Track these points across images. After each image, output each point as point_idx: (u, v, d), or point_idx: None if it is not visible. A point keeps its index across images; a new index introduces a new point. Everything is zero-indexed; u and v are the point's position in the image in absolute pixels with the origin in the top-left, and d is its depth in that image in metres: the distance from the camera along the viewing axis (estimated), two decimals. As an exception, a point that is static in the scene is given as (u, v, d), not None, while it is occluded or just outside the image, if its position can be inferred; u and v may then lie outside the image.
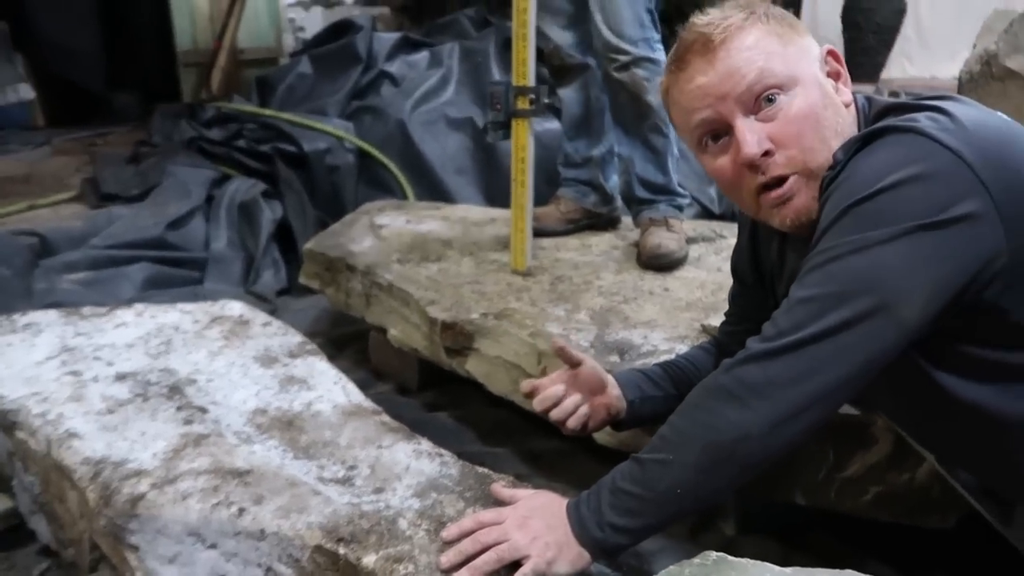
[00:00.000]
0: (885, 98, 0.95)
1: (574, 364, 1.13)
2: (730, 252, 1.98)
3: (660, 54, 1.88)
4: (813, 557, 1.36)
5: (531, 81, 1.78)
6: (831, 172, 0.86)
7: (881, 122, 0.85)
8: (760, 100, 0.88)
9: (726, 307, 1.61)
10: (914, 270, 0.77)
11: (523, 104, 1.79)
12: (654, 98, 1.88)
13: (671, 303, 1.66)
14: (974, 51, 2.42)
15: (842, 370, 0.78)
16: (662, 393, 1.17)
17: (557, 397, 1.11)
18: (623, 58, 1.86)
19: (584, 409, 1.11)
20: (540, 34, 1.93)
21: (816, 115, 0.88)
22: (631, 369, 1.22)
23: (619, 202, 2.17)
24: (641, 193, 2.00)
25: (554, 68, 2.01)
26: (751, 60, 0.88)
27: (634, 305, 1.65)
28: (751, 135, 0.88)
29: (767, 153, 0.89)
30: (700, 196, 3.04)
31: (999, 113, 0.86)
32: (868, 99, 0.95)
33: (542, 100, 1.82)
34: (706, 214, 3.00)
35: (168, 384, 1.28)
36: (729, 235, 2.12)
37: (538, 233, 1.98)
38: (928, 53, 6.00)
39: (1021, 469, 0.89)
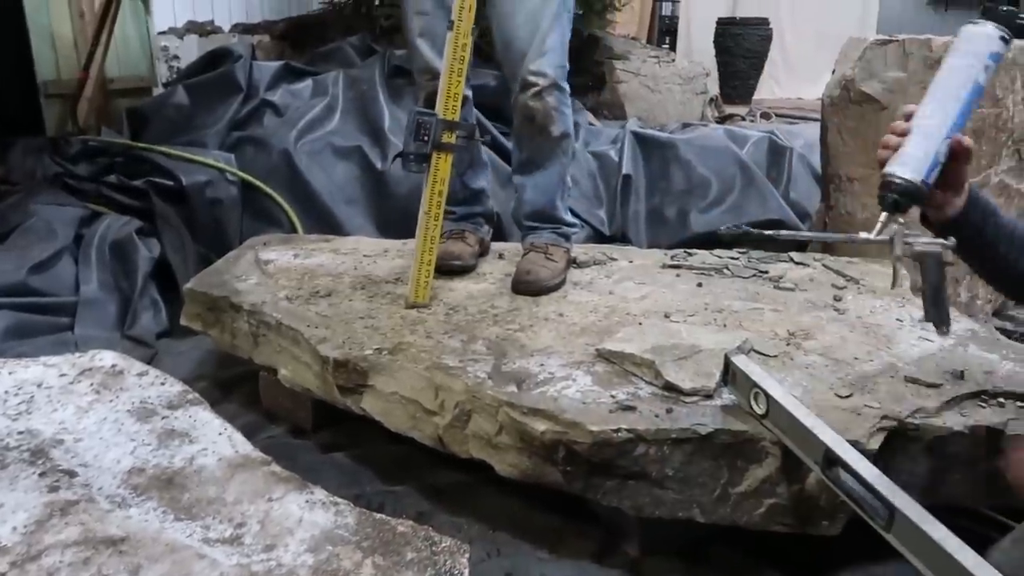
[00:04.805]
0: None
1: None
2: (621, 275, 2.04)
3: (568, 87, 1.93)
4: (715, 571, 1.39)
5: (459, 117, 1.78)
6: None
7: None
8: None
9: (619, 331, 1.65)
10: None
11: (448, 138, 1.78)
12: (557, 128, 1.93)
13: (566, 328, 1.67)
14: (833, 76, 2.60)
15: None
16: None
17: None
18: (543, 82, 1.87)
19: None
20: (426, 66, 1.93)
21: None
22: None
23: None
24: (528, 221, 2.04)
25: (430, 95, 2.00)
26: None
27: (530, 332, 1.65)
28: None
29: None
30: (590, 219, 3.10)
31: None
32: None
33: (476, 137, 1.82)
34: (597, 236, 3.06)
35: (30, 447, 1.16)
36: (620, 257, 2.17)
37: (459, 270, 1.97)
38: (794, 76, 6.42)
39: None
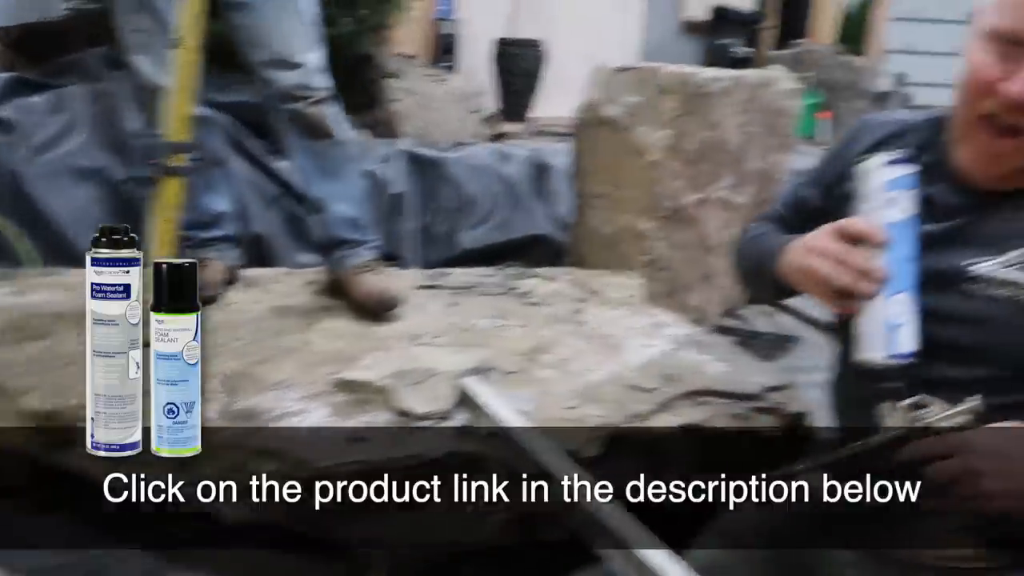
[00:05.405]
0: None
1: None
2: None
3: None
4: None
5: (189, 138, 1.67)
6: None
7: None
8: None
9: (365, 357, 1.63)
10: None
11: (179, 161, 1.66)
12: (342, 133, 1.92)
13: (309, 358, 1.63)
14: (582, 101, 2.78)
15: None
16: None
17: None
18: (322, 93, 1.84)
19: None
20: (146, 83, 1.82)
21: None
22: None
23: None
24: (344, 232, 1.95)
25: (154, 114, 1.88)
26: None
27: (270, 365, 1.59)
28: None
29: None
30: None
31: None
32: None
33: (208, 159, 1.76)
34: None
35: None
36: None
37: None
38: (565, 95, 6.77)
39: None
